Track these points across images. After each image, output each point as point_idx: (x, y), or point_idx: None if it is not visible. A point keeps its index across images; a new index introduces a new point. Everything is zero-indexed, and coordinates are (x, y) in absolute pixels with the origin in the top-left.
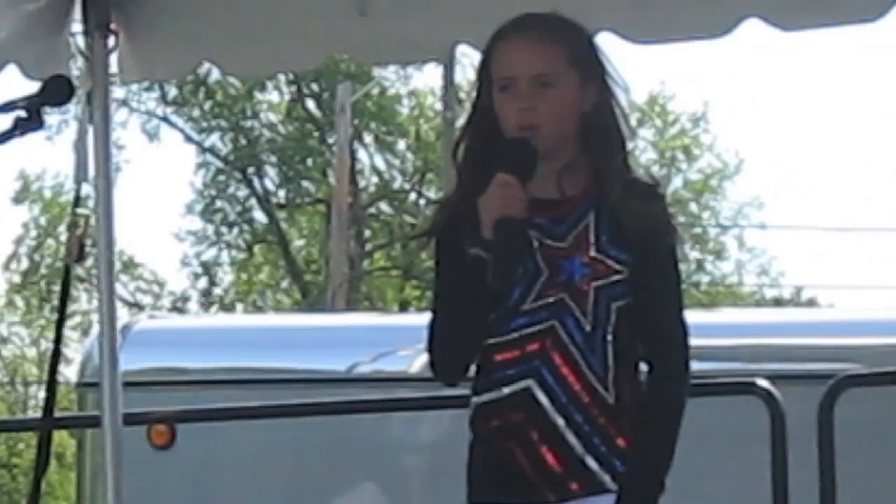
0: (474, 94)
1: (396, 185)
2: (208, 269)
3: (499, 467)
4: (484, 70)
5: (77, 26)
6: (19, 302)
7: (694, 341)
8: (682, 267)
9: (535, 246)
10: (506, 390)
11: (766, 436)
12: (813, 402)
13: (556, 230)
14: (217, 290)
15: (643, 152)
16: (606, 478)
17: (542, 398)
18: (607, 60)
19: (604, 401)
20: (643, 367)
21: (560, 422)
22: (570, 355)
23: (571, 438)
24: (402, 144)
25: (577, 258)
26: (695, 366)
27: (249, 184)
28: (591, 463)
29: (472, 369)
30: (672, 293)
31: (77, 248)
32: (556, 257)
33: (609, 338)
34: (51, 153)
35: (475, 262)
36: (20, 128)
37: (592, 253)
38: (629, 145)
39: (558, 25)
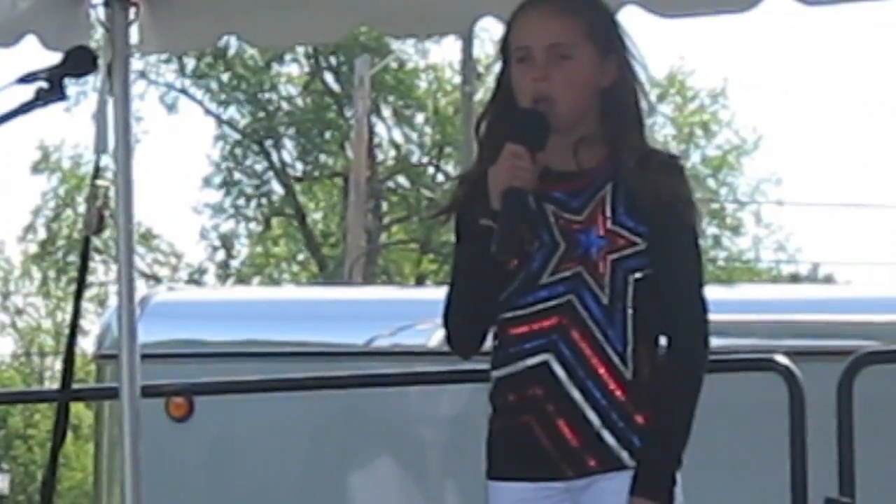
0: (497, 69)
1: (414, 158)
2: (226, 241)
3: (516, 441)
4: (504, 44)
5: None
6: (36, 273)
7: (712, 317)
8: (700, 242)
9: (551, 220)
10: (523, 364)
11: (785, 412)
12: (832, 379)
13: (572, 203)
14: (234, 263)
15: (662, 128)
16: (624, 454)
17: (560, 372)
18: (627, 37)
19: (622, 376)
20: (662, 342)
21: (577, 396)
22: (587, 329)
23: (589, 413)
24: (419, 118)
25: (593, 231)
26: (713, 341)
27: (267, 156)
28: (609, 438)
29: (490, 343)
30: (691, 267)
31: (96, 219)
32: (573, 230)
33: (629, 311)
34: (69, 124)
35: (485, 234)
36: (42, 98)
37: (609, 225)
38: (647, 121)
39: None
